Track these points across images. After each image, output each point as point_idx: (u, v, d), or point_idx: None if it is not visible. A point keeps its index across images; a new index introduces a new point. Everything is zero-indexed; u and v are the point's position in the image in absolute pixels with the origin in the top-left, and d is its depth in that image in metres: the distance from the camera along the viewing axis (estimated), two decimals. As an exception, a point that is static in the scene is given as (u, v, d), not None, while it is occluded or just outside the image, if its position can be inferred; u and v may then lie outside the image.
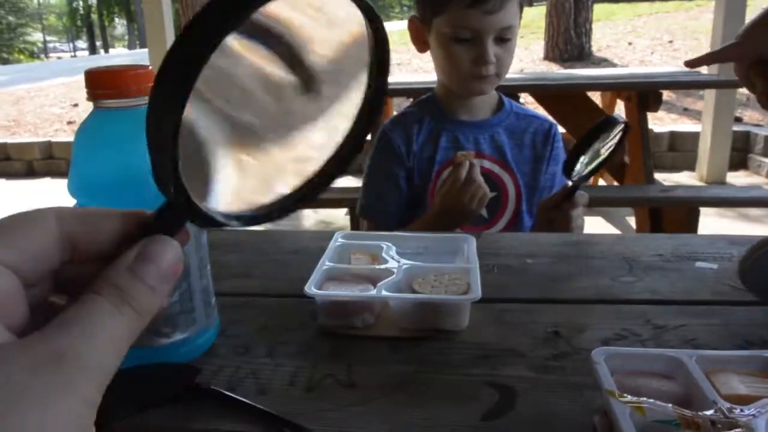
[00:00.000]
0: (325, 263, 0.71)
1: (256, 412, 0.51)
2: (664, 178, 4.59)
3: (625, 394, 0.47)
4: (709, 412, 0.45)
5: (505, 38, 1.21)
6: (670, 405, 0.45)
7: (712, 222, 3.52)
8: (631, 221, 3.65)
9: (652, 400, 0.46)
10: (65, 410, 0.22)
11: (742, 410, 0.46)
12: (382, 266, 0.70)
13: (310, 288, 0.64)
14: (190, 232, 0.29)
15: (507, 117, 1.33)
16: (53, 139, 6.22)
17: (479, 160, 1.25)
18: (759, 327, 0.67)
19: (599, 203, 3.29)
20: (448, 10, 1.19)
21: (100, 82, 0.56)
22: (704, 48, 4.81)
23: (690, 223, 2.81)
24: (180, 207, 0.27)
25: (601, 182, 3.94)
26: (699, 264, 0.84)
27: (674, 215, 2.89)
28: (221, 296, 0.67)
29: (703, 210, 3.10)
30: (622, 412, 0.44)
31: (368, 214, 1.31)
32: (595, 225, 3.69)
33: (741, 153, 4.90)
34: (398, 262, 0.71)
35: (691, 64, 0.98)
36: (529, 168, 1.30)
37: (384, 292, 0.64)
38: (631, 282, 0.78)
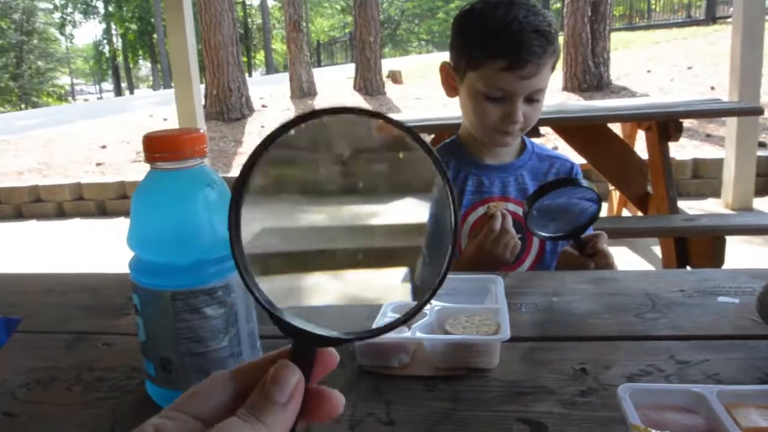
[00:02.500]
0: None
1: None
2: (689, 206, 4.57)
3: (650, 429, 0.50)
4: (729, 445, 0.48)
5: (534, 99, 1.24)
6: (692, 438, 0.49)
7: (739, 249, 3.50)
8: (657, 251, 3.64)
9: (674, 434, 0.49)
10: None
11: (762, 443, 0.49)
12: (415, 308, 0.74)
13: (349, 330, 0.68)
14: (335, 358, 0.35)
15: (530, 159, 1.37)
16: (83, 181, 6.39)
17: (505, 203, 1.29)
18: (780, 361, 0.69)
19: (623, 234, 3.30)
20: (484, 68, 1.22)
21: (156, 146, 0.62)
22: (724, 73, 4.83)
23: (716, 252, 2.81)
24: (301, 343, 0.33)
25: (625, 212, 3.94)
26: (721, 299, 0.87)
27: (700, 244, 2.88)
28: (265, 339, 0.71)
29: (729, 237, 3.10)
30: (646, 446, 0.48)
31: None
32: (620, 255, 3.69)
33: (766, 178, 4.88)
34: (430, 303, 0.75)
35: None
36: None
37: (418, 334, 0.68)
38: (655, 318, 0.81)
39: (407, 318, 0.33)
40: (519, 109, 1.22)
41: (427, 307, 0.74)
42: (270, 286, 0.33)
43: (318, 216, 0.35)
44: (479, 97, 1.25)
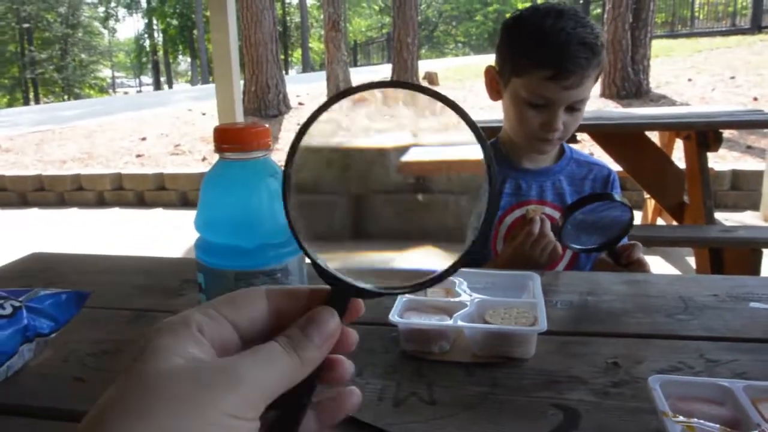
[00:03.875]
0: (406, 295, 0.79)
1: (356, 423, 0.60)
2: (725, 217, 4.52)
3: (678, 415, 0.54)
4: (753, 433, 0.52)
5: (576, 108, 1.27)
6: (718, 425, 0.52)
7: (775, 263, 3.45)
8: (691, 261, 3.62)
9: (702, 421, 0.53)
10: (208, 417, 0.28)
11: (785, 434, 0.52)
12: (456, 299, 0.79)
13: (394, 316, 0.73)
14: (361, 308, 0.38)
15: (568, 164, 1.40)
16: (123, 171, 6.57)
17: (542, 207, 1.32)
18: (808, 364, 0.72)
19: (657, 243, 3.28)
20: (529, 75, 1.25)
21: (225, 138, 0.67)
22: None
23: (753, 265, 2.79)
24: (339, 291, 0.37)
25: (660, 221, 3.92)
26: (753, 304, 0.89)
27: (736, 256, 2.86)
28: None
29: (766, 250, 3.06)
30: (674, 429, 0.51)
31: None
32: (653, 265, 3.65)
33: (807, 193, 4.79)
34: (470, 295, 0.80)
35: None
36: None
37: (460, 322, 0.72)
38: (687, 319, 0.84)
39: (433, 282, 0.36)
40: (559, 117, 1.25)
41: (468, 298, 0.78)
42: (315, 242, 0.37)
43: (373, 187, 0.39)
44: (521, 103, 1.28)
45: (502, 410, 0.63)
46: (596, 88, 8.05)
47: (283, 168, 0.38)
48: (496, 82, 1.37)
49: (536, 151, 1.35)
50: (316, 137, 0.37)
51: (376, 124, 0.37)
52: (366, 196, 0.39)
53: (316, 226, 0.38)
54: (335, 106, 0.36)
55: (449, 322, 0.73)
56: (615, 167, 3.72)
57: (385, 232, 0.39)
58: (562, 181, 1.38)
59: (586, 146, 5.64)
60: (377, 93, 0.36)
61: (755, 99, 7.13)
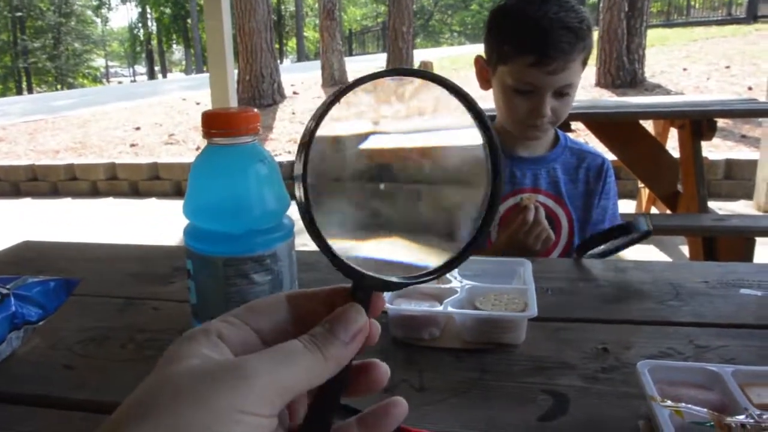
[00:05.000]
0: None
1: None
2: (719, 206, 4.53)
3: (666, 400, 0.54)
4: (741, 417, 0.52)
5: (564, 93, 1.26)
6: (706, 409, 0.52)
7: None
8: (684, 250, 3.63)
9: (689, 405, 0.53)
10: (217, 410, 0.28)
11: (772, 418, 0.52)
12: (447, 285, 0.79)
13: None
14: (384, 301, 0.37)
15: (562, 152, 1.39)
16: (117, 161, 6.53)
17: (536, 195, 1.32)
18: (797, 349, 0.72)
19: (657, 231, 3.30)
20: (513, 63, 1.25)
21: (213, 123, 0.66)
22: (763, 73, 4.74)
23: (745, 253, 2.79)
24: (360, 285, 0.35)
25: (654, 210, 3.93)
26: (743, 290, 0.89)
27: (729, 245, 2.86)
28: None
29: (760, 240, 3.06)
30: (662, 414, 0.51)
31: None
32: (647, 253, 3.68)
33: (801, 182, 4.80)
34: (461, 282, 0.79)
35: None
36: (582, 202, 1.37)
37: (450, 309, 0.72)
38: (677, 306, 0.84)
39: (452, 265, 0.36)
40: (547, 103, 1.24)
41: (458, 285, 0.78)
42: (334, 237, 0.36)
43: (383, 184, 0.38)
44: (508, 90, 1.28)
45: (492, 396, 0.63)
46: (591, 77, 8.06)
47: (296, 164, 0.36)
48: (485, 71, 1.36)
49: (528, 138, 1.35)
50: (327, 128, 0.35)
51: (389, 113, 0.37)
52: (381, 187, 0.38)
53: (335, 221, 0.37)
54: (347, 97, 0.35)
55: (439, 308, 0.73)
56: (609, 156, 3.73)
57: (400, 223, 0.38)
58: (557, 169, 1.38)
59: (580, 135, 5.64)
60: (389, 81, 0.36)
61: (750, 88, 7.13)
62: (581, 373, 0.67)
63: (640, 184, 4.03)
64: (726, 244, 2.87)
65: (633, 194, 4.39)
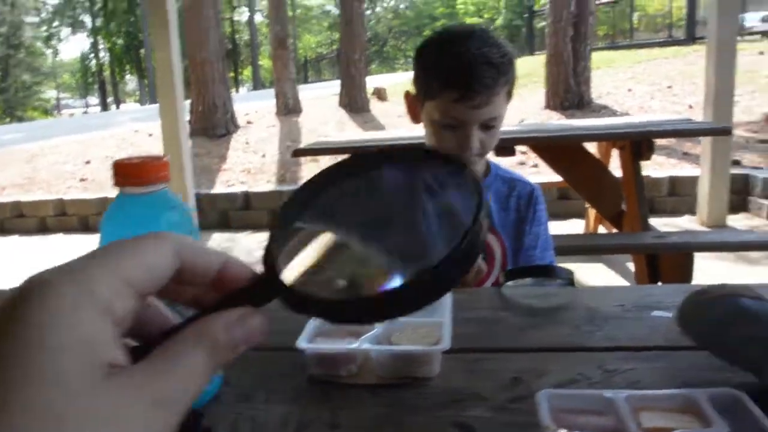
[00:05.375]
0: (315, 319, 0.80)
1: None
2: (665, 222, 4.68)
3: (561, 429, 0.56)
4: (627, 442, 0.54)
5: (490, 125, 1.29)
6: (595, 436, 0.55)
7: (711, 265, 3.59)
8: (632, 267, 3.73)
9: (581, 433, 0.55)
10: None
11: (659, 441, 0.55)
12: (366, 321, 0.80)
13: (301, 342, 0.74)
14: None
15: (494, 182, 1.43)
16: (65, 197, 6.41)
17: None
18: (698, 370, 0.75)
19: (597, 251, 3.38)
20: (439, 98, 1.27)
21: (123, 172, 0.67)
22: (702, 92, 4.93)
23: (686, 268, 2.89)
24: (270, 281, 0.33)
25: (601, 229, 4.03)
26: (655, 313, 0.93)
27: (671, 260, 2.96)
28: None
29: (703, 254, 3.16)
30: (553, 443, 0.54)
31: None
32: (596, 272, 3.76)
33: (741, 196, 4.99)
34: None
35: None
36: (514, 231, 1.40)
37: (365, 345, 0.74)
38: (591, 331, 0.88)
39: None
40: (474, 136, 1.27)
41: (377, 320, 0.79)
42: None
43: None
44: (436, 125, 1.30)
45: (404, 430, 0.65)
46: (540, 100, 8.28)
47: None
48: (414, 106, 1.39)
49: None
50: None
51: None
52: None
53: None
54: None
55: (356, 344, 0.75)
56: (556, 178, 3.82)
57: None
58: (489, 199, 1.41)
59: (531, 157, 5.77)
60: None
61: (690, 107, 7.40)
62: (491, 405, 0.69)
63: (587, 205, 4.14)
64: (668, 260, 2.96)
65: (581, 214, 4.50)
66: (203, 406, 0.70)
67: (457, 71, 1.24)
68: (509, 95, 1.32)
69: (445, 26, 1.42)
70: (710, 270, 3.50)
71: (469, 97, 1.23)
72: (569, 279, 1.02)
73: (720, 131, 3.36)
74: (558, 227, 4.44)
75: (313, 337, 0.78)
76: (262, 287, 0.33)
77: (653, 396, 0.62)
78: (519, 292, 1.04)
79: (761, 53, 9.75)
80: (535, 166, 5.71)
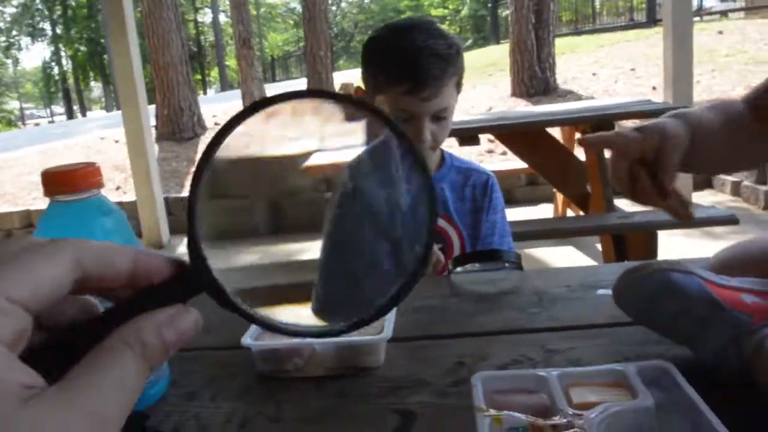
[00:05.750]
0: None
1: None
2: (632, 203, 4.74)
3: (490, 410, 0.57)
4: (555, 419, 0.56)
5: (441, 117, 1.30)
6: (524, 415, 0.56)
7: (677, 242, 3.65)
8: (600, 247, 3.79)
9: (510, 412, 0.56)
10: None
11: (588, 414, 0.56)
12: (313, 316, 0.81)
13: (246, 339, 0.75)
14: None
15: (449, 172, 1.44)
16: (32, 208, 6.30)
17: None
18: (637, 344, 0.78)
19: (566, 233, 3.42)
20: (389, 92, 1.27)
21: (54, 181, 0.67)
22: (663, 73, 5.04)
23: (651, 246, 2.95)
24: (197, 273, 0.31)
25: (570, 212, 4.08)
26: (599, 291, 0.95)
27: (636, 239, 3.01)
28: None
29: (669, 231, 3.21)
30: (482, 423, 0.55)
31: None
32: (565, 254, 3.81)
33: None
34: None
35: (589, 142, 0.95)
36: (471, 219, 1.41)
37: (308, 339, 0.75)
38: (537, 313, 0.89)
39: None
40: (425, 128, 1.27)
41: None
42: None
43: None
44: None
45: (346, 420, 0.66)
46: (506, 88, 8.32)
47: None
48: None
49: None
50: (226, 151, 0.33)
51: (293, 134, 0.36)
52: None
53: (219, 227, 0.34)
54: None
55: (299, 339, 0.75)
56: (521, 165, 3.85)
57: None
58: (444, 189, 1.42)
59: (499, 145, 5.81)
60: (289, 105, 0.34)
61: (654, 88, 7.50)
62: (434, 390, 0.70)
63: (555, 189, 4.18)
64: (634, 239, 3.01)
65: (550, 198, 4.55)
66: (149, 407, 0.71)
67: (405, 64, 1.25)
68: (459, 86, 1.33)
69: (389, 21, 1.42)
70: (676, 246, 3.57)
71: (418, 89, 1.24)
72: (517, 262, 1.04)
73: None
74: (528, 212, 4.48)
75: (259, 334, 0.78)
76: (188, 279, 0.31)
77: (585, 372, 0.64)
78: (468, 278, 1.05)
79: (720, 32, 9.90)
80: (504, 153, 5.74)
